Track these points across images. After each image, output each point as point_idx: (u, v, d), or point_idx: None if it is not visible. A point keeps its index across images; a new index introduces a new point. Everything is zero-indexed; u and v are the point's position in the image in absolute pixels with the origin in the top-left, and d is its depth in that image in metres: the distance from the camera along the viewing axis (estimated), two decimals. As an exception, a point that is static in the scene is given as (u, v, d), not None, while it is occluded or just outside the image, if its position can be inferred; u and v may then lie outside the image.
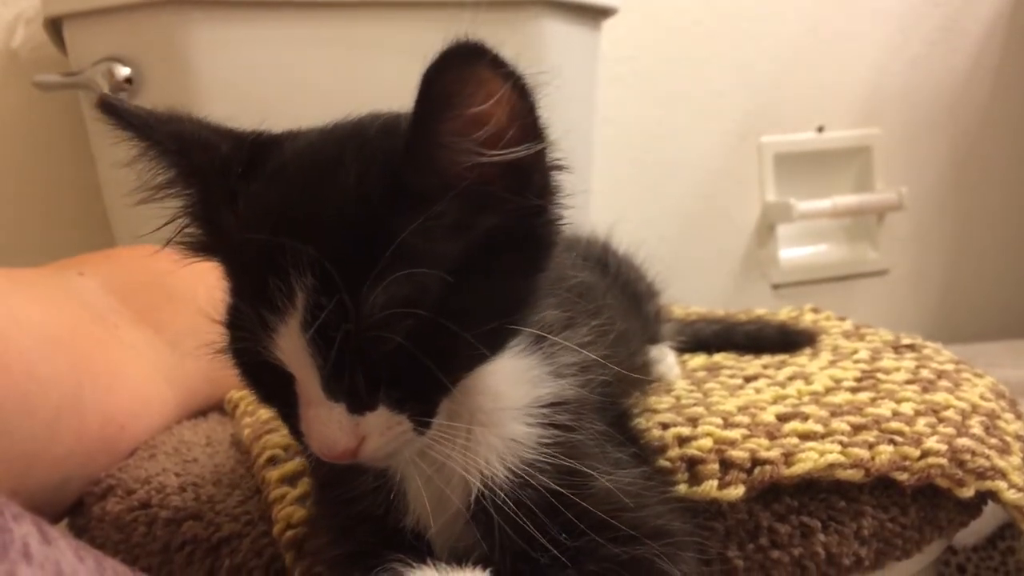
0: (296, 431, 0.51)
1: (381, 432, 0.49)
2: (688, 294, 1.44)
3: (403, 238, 0.46)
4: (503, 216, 0.49)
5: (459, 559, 0.51)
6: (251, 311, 0.48)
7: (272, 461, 0.72)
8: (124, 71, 1.15)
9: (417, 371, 0.48)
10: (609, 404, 0.61)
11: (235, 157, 0.53)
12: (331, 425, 0.48)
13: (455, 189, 0.47)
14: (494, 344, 0.51)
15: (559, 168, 0.51)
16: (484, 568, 0.48)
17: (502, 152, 0.47)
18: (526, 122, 0.47)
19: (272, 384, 0.51)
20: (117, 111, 0.53)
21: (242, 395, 0.90)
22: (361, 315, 0.45)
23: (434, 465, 0.53)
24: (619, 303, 0.81)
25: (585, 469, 0.54)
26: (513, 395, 0.54)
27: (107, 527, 0.74)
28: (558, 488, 0.53)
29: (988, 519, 1.19)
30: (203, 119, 0.56)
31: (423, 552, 0.53)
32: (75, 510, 0.81)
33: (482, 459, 0.53)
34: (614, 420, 0.61)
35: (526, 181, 0.49)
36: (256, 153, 0.53)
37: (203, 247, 0.55)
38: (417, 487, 0.54)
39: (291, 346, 0.47)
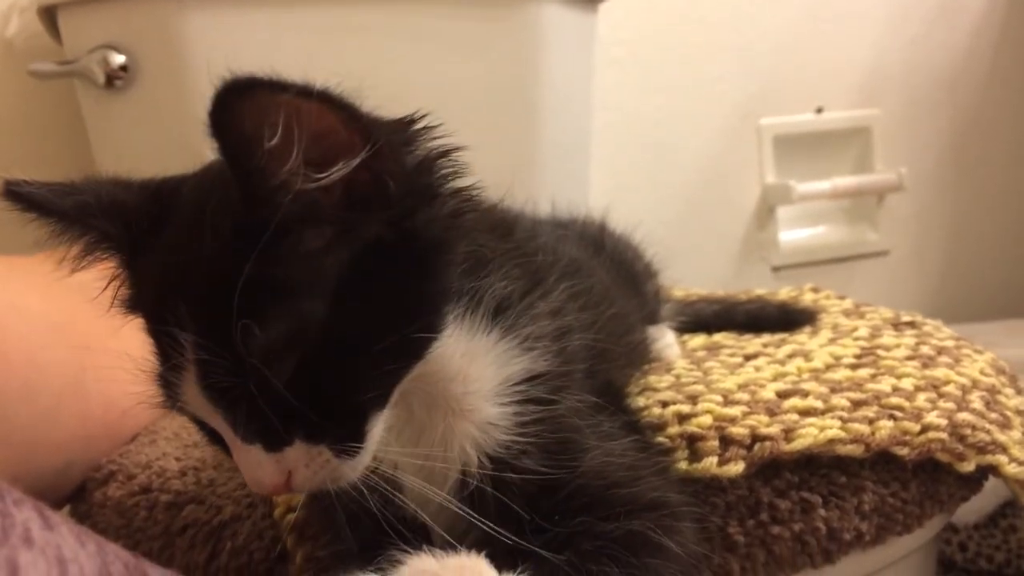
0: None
1: (305, 464, 0.49)
2: (688, 277, 1.43)
3: (265, 275, 0.45)
4: (370, 229, 0.48)
5: (459, 545, 0.51)
6: (160, 369, 0.50)
7: (273, 444, 0.72)
8: (119, 59, 1.15)
9: (321, 401, 0.47)
10: (596, 372, 0.61)
11: (139, 214, 0.52)
12: (254, 465, 0.49)
13: (297, 218, 0.46)
14: (406, 355, 0.50)
15: (437, 157, 0.50)
16: (480, 551, 0.48)
17: (326, 173, 0.45)
18: (345, 134, 0.45)
19: (205, 428, 0.52)
20: (18, 195, 0.52)
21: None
22: (243, 361, 0.45)
23: (422, 456, 0.53)
24: (614, 281, 0.81)
25: (573, 446, 0.54)
26: (482, 377, 0.53)
27: (109, 512, 0.74)
28: (545, 469, 0.52)
29: (989, 497, 1.20)
30: (111, 177, 0.55)
31: (422, 541, 0.52)
32: (77, 496, 0.81)
33: (458, 447, 0.53)
34: (603, 389, 0.61)
35: (379, 189, 0.48)
36: (157, 205, 0.52)
37: (129, 306, 0.55)
38: (411, 479, 0.54)
39: (195, 399, 0.48)
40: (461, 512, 0.53)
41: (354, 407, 0.49)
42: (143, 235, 0.51)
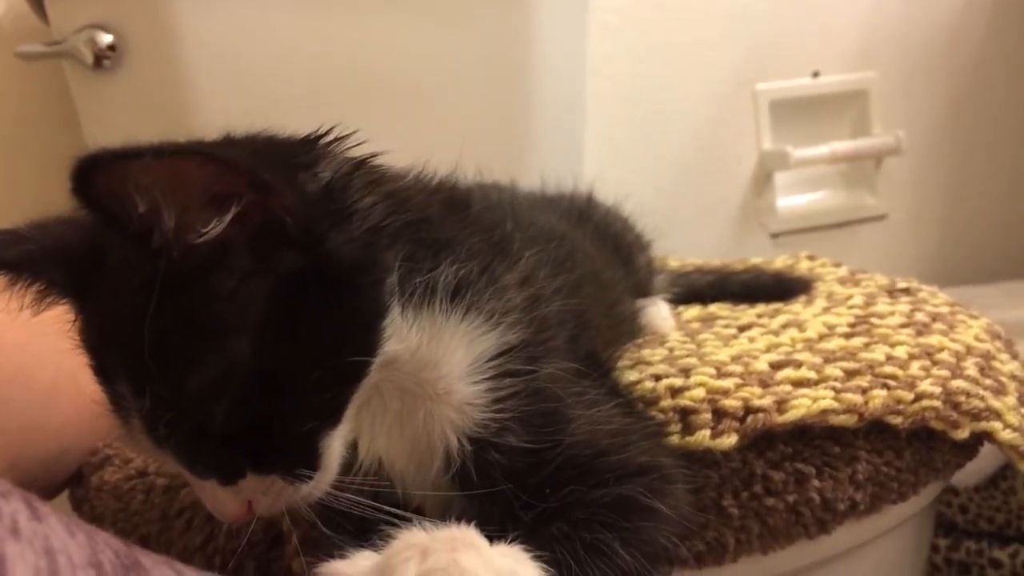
0: None
1: (262, 493, 0.50)
2: (686, 246, 1.43)
3: (182, 323, 0.46)
4: (282, 262, 0.47)
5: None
6: (116, 418, 0.50)
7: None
8: (107, 38, 1.14)
9: (263, 434, 0.48)
10: (579, 339, 0.61)
11: (81, 258, 0.52)
12: (213, 498, 0.50)
13: (198, 266, 0.46)
14: (343, 380, 0.50)
15: (350, 172, 0.50)
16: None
17: (208, 228, 0.45)
18: (221, 183, 0.45)
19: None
20: None
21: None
22: (175, 406, 0.46)
23: (409, 441, 0.54)
24: (600, 252, 0.81)
25: (556, 417, 0.54)
26: (452, 359, 0.53)
27: (106, 496, 0.75)
28: (529, 444, 0.53)
29: (990, 460, 1.20)
30: (59, 217, 0.54)
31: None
32: (74, 480, 0.81)
33: (439, 432, 0.53)
34: (588, 359, 0.61)
35: (278, 226, 0.47)
36: (98, 247, 0.51)
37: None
38: (401, 464, 0.55)
39: (145, 443, 0.49)
40: (453, 494, 0.53)
41: (299, 436, 0.49)
42: (86, 279, 0.51)
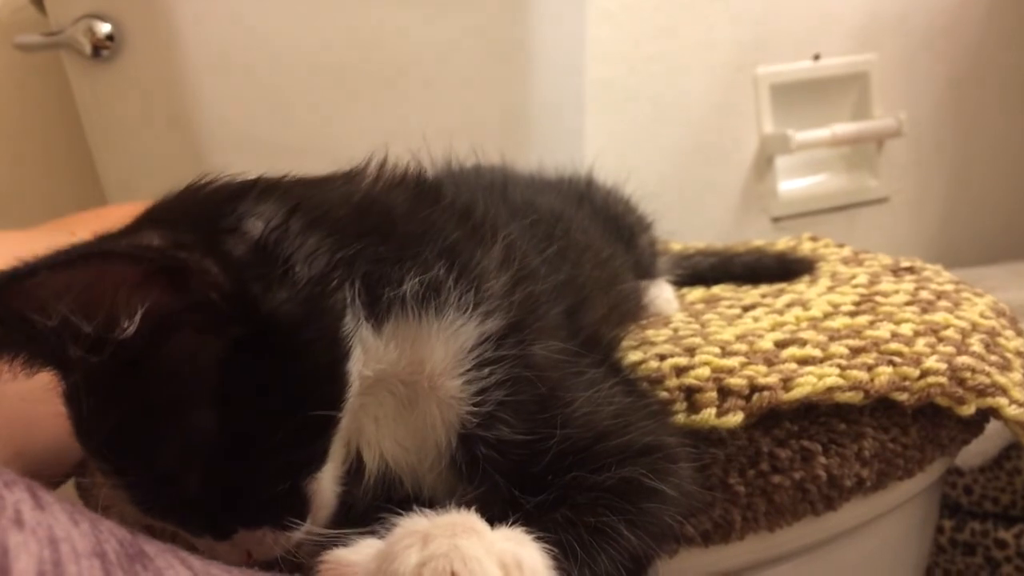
0: None
1: (257, 542, 0.50)
2: (688, 230, 1.43)
3: (136, 403, 0.46)
4: (222, 331, 0.47)
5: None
6: None
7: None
8: (105, 28, 1.13)
9: (243, 493, 0.49)
10: (577, 316, 0.60)
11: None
12: (211, 551, 0.50)
13: (134, 356, 0.45)
14: (314, 433, 0.49)
15: (282, 222, 0.49)
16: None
17: (126, 326, 0.44)
18: (130, 280, 0.44)
19: None
20: None
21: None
22: (150, 481, 0.48)
23: (411, 438, 0.54)
24: (599, 233, 0.80)
25: (553, 402, 0.53)
26: (432, 357, 0.52)
27: (111, 484, 0.74)
28: (522, 436, 0.52)
29: (994, 440, 1.20)
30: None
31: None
32: (80, 469, 0.81)
33: (433, 428, 0.53)
34: (587, 333, 0.60)
35: (205, 303, 0.46)
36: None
37: None
38: (407, 461, 0.54)
39: (132, 510, 0.50)
40: (460, 486, 0.53)
41: (279, 488, 0.49)
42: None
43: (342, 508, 0.53)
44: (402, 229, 0.53)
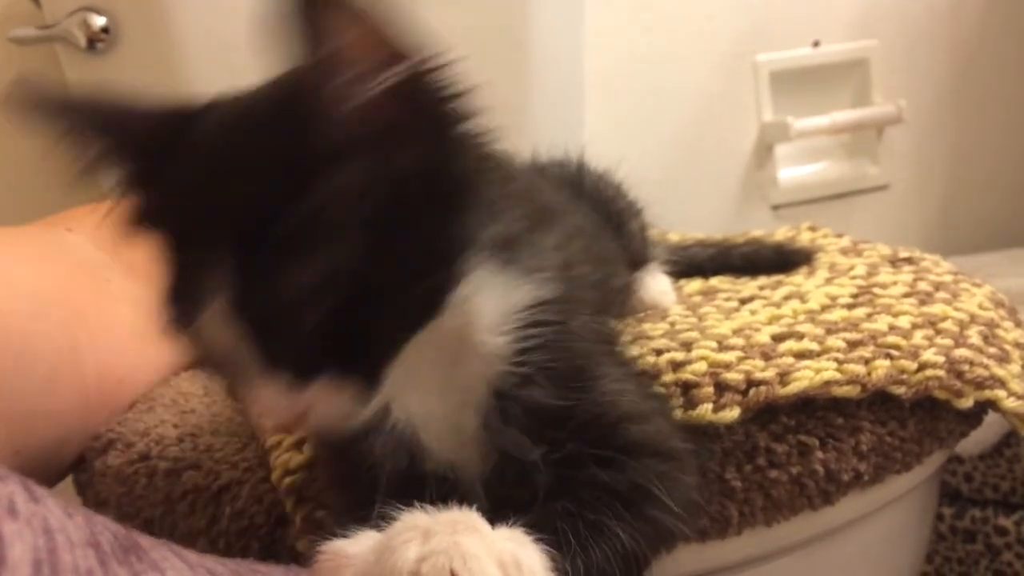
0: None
1: (325, 400, 0.49)
2: (687, 219, 1.42)
3: (309, 208, 0.45)
4: (405, 163, 0.47)
5: (494, 499, 0.52)
6: (181, 289, 0.48)
7: (267, 408, 0.72)
8: (100, 21, 1.13)
9: (351, 339, 0.47)
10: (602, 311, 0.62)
11: (155, 133, 0.51)
12: (273, 398, 0.48)
13: (342, 147, 0.46)
14: (431, 301, 0.49)
15: (459, 93, 0.49)
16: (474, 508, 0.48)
17: (377, 81, 0.45)
18: (389, 54, 0.45)
19: (218, 355, 0.50)
20: (31, 98, 0.51)
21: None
22: (283, 291, 0.45)
23: (441, 393, 0.54)
24: (594, 226, 0.80)
25: (584, 373, 0.54)
26: (486, 309, 0.52)
27: (109, 481, 0.75)
28: (552, 401, 0.53)
29: (994, 428, 1.20)
30: (124, 94, 0.54)
31: (438, 493, 0.52)
32: (78, 466, 0.82)
33: (469, 381, 0.53)
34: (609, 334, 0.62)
35: (415, 119, 0.47)
36: (176, 127, 0.51)
37: (137, 220, 0.53)
38: (430, 428, 0.54)
39: (217, 324, 0.47)
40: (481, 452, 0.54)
41: (376, 349, 0.49)
42: (160, 155, 0.50)
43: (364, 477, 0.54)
44: (509, 187, 0.55)
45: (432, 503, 0.45)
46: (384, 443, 0.54)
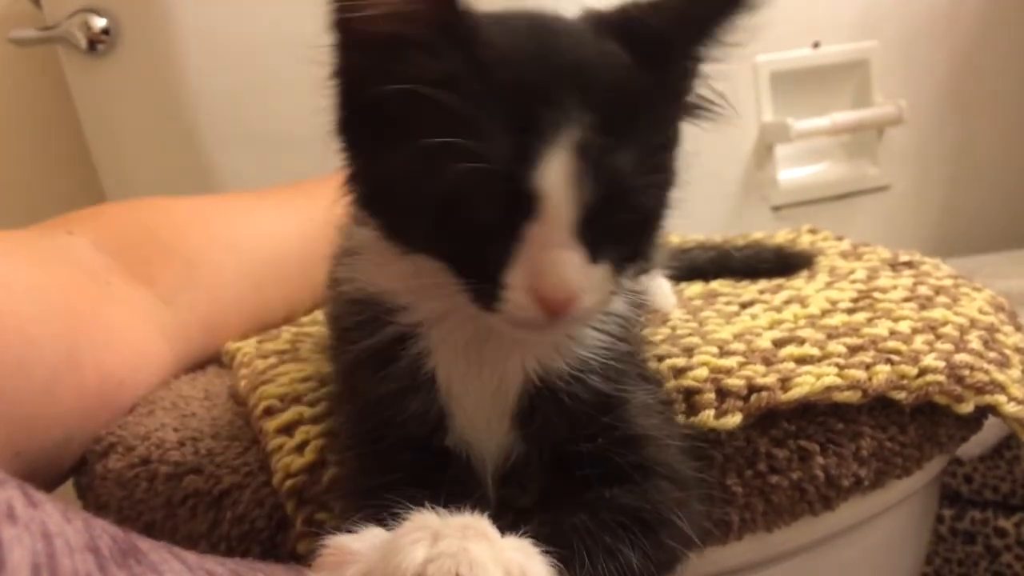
0: (483, 289, 0.49)
1: (597, 289, 0.50)
2: (688, 220, 1.42)
3: (659, 105, 0.52)
4: (687, 79, 0.55)
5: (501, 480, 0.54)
6: (510, 136, 0.46)
7: (268, 411, 0.72)
8: (100, 22, 1.14)
9: (637, 235, 0.52)
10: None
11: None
12: (569, 269, 0.48)
13: (678, 56, 0.53)
14: (665, 218, 0.56)
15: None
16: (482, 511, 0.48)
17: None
18: None
19: (481, 222, 0.48)
20: None
21: (238, 346, 0.89)
22: (626, 171, 0.48)
23: (486, 364, 0.54)
24: None
25: (626, 378, 0.56)
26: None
27: (110, 484, 0.75)
28: (596, 399, 0.54)
29: (994, 430, 1.20)
30: None
31: (460, 478, 0.54)
32: (79, 469, 0.81)
33: (543, 351, 0.55)
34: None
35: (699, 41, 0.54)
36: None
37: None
38: (462, 400, 0.55)
39: (556, 180, 0.46)
40: (511, 433, 0.55)
41: (643, 251, 0.54)
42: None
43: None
44: None
45: (440, 483, 0.46)
46: (416, 403, 0.54)
